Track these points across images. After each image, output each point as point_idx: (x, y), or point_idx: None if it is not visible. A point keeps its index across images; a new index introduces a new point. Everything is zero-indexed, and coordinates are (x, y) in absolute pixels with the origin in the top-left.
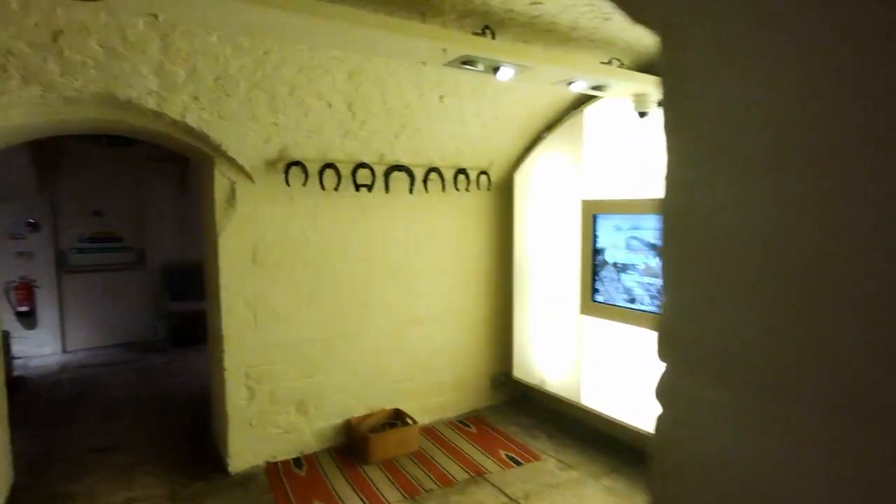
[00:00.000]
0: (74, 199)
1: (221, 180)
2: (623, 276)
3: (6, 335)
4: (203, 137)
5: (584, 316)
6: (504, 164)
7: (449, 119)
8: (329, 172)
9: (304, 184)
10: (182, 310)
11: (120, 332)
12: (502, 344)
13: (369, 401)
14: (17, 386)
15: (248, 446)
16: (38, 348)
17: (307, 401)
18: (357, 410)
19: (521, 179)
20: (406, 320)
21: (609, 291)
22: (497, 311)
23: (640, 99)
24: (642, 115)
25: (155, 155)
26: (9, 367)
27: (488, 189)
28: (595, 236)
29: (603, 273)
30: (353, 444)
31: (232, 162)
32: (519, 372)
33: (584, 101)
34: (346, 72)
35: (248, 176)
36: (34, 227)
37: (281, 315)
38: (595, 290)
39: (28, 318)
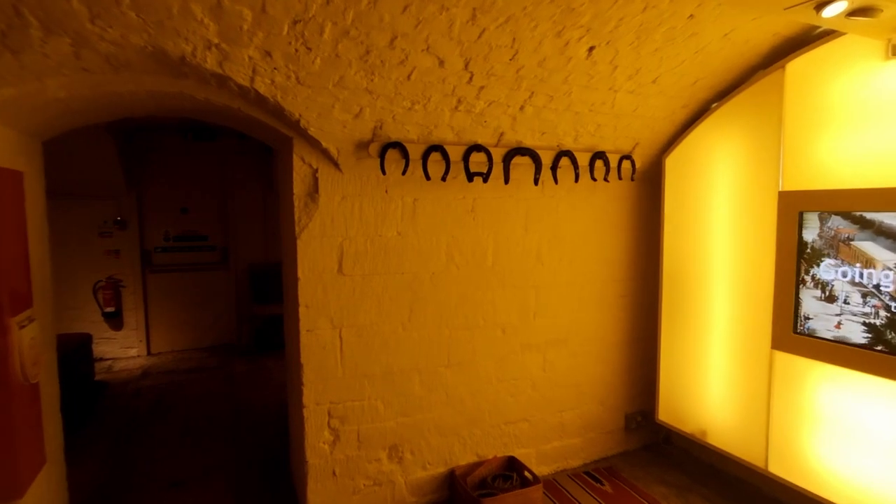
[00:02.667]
0: (160, 197)
1: (301, 168)
2: (877, 318)
3: (86, 341)
4: (278, 111)
5: (778, 352)
6: (653, 145)
7: (594, 82)
8: (435, 157)
9: (404, 172)
10: (266, 313)
11: (204, 335)
12: (643, 377)
13: (477, 446)
14: (99, 392)
15: (330, 500)
16: (124, 350)
17: (402, 445)
18: (462, 458)
19: (676, 166)
20: (522, 344)
21: (824, 321)
22: (638, 335)
23: None
24: None
25: (240, 149)
26: (90, 371)
27: (632, 179)
28: (802, 241)
29: (832, 310)
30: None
31: (314, 144)
32: (666, 415)
33: (782, 54)
34: (470, 8)
35: (334, 162)
36: (122, 224)
37: (372, 339)
38: (799, 318)
39: (115, 319)
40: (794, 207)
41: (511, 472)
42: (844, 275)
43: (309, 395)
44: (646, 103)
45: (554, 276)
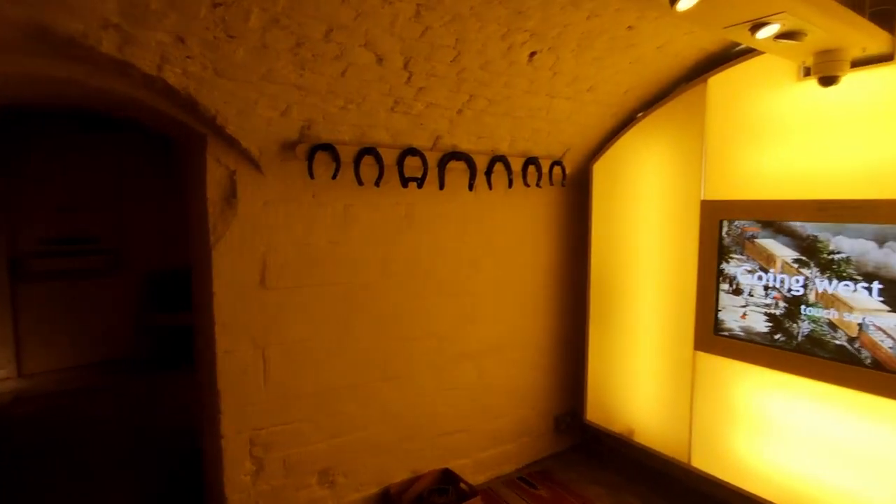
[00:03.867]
0: (37, 194)
1: (217, 170)
2: (776, 309)
3: None
4: (190, 105)
5: (700, 353)
6: (583, 152)
7: (535, 87)
8: (368, 161)
9: (335, 176)
10: (171, 323)
11: (92, 350)
12: (572, 379)
13: (414, 461)
14: None
15: None
16: None
17: (334, 468)
18: (398, 475)
19: (603, 172)
20: (459, 353)
21: (732, 312)
22: (568, 338)
23: (828, 58)
24: (827, 81)
25: (142, 140)
26: None
27: (562, 184)
28: (725, 251)
29: (738, 302)
30: None
31: (232, 143)
32: (594, 415)
33: (706, 68)
34: (415, 3)
35: (255, 163)
36: None
37: (301, 357)
38: (718, 321)
39: None
40: (714, 216)
41: (447, 485)
42: (749, 269)
43: (228, 425)
44: (581, 110)
45: (490, 283)
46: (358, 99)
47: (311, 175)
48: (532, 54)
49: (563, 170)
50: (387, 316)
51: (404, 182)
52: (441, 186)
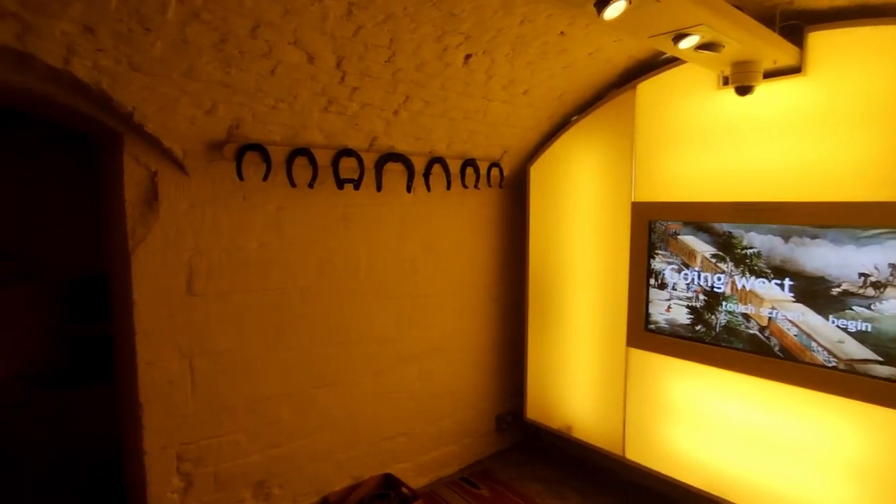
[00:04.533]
0: None
1: (136, 170)
2: (697, 301)
3: None
4: (104, 101)
5: (632, 349)
6: (520, 154)
7: (470, 90)
8: (301, 162)
9: (266, 177)
10: (92, 334)
11: (4, 364)
12: (513, 378)
13: (354, 467)
14: None
15: None
16: None
17: (270, 480)
18: (338, 482)
19: (540, 174)
20: (399, 356)
21: (658, 305)
22: (508, 338)
23: (744, 69)
24: (744, 91)
25: (55, 135)
26: None
27: (500, 186)
28: (651, 249)
29: (663, 296)
30: None
31: (152, 142)
32: (534, 413)
33: (635, 75)
34: (346, 2)
35: (179, 164)
36: None
37: (232, 366)
38: (649, 318)
39: None
40: (644, 217)
41: (389, 489)
42: (672, 264)
43: (152, 440)
44: (516, 113)
45: (429, 285)
46: (289, 98)
47: (241, 176)
48: (467, 57)
49: (501, 171)
50: (323, 321)
51: (340, 184)
52: (378, 188)
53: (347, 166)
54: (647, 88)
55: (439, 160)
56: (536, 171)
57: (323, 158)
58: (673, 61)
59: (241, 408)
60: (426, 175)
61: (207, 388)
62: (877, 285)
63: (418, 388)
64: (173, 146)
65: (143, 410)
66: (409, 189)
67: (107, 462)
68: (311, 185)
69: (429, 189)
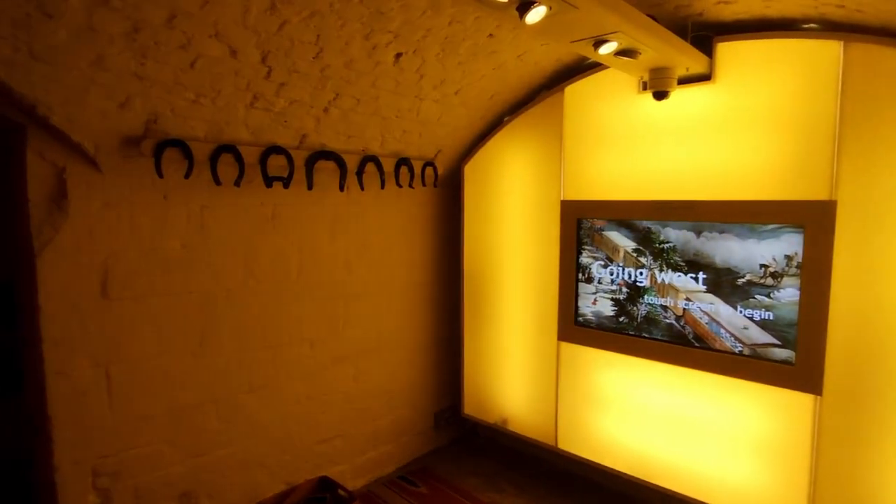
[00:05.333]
0: None
1: (40, 167)
2: (620, 294)
3: None
4: (3, 92)
5: (563, 343)
6: (454, 153)
7: (402, 89)
8: (226, 159)
9: (188, 175)
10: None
11: None
12: (450, 375)
13: (287, 473)
14: None
15: None
16: None
17: (196, 490)
18: (270, 488)
19: (474, 173)
20: (333, 358)
21: (585, 299)
22: (445, 335)
23: (660, 75)
24: (660, 95)
25: None
26: None
27: (435, 185)
28: (579, 245)
29: (589, 290)
30: None
31: (59, 136)
32: (472, 408)
33: (563, 77)
34: None
35: (92, 160)
36: None
37: (152, 373)
38: (578, 312)
39: None
40: (573, 215)
41: (325, 492)
42: (598, 259)
43: (63, 454)
44: (449, 113)
45: (363, 284)
46: (211, 93)
47: (160, 174)
48: (398, 55)
49: (436, 170)
50: (252, 323)
51: (268, 182)
52: (309, 187)
53: (276, 164)
54: (575, 91)
55: (373, 159)
56: (471, 171)
57: (250, 156)
58: (598, 66)
59: (164, 417)
60: (359, 174)
61: (126, 398)
62: (775, 275)
63: (353, 389)
64: (84, 141)
65: (51, 423)
66: (341, 188)
67: (15, 479)
68: (237, 184)
69: (362, 188)
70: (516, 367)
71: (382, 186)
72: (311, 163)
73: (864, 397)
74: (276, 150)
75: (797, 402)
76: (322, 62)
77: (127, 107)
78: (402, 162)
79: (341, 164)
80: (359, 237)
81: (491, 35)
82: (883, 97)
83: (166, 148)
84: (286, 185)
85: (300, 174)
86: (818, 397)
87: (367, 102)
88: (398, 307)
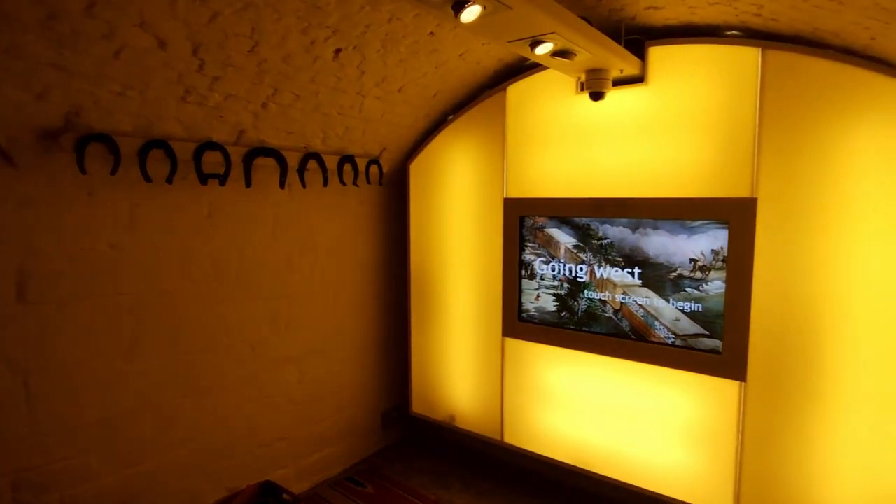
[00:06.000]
0: None
1: None
2: (562, 290)
3: None
4: None
5: (508, 339)
6: (399, 151)
7: (343, 85)
8: (157, 155)
9: (114, 171)
10: None
11: None
12: (398, 373)
13: (229, 478)
14: None
15: None
16: None
17: (131, 501)
18: (212, 495)
19: (419, 171)
20: (276, 359)
21: (528, 295)
22: (392, 334)
23: (596, 76)
24: (596, 96)
25: None
26: None
27: (380, 183)
28: (522, 242)
29: (532, 286)
30: None
31: None
32: (420, 406)
33: (505, 77)
34: None
35: (5, 155)
36: None
37: (79, 381)
38: (522, 308)
39: None
40: (515, 212)
41: (268, 497)
42: (540, 256)
43: None
44: (392, 110)
45: (307, 284)
46: (139, 85)
47: (83, 170)
48: (337, 51)
49: (381, 168)
50: (189, 326)
51: (203, 179)
52: (248, 184)
53: (212, 161)
54: (517, 91)
55: (315, 156)
56: (416, 169)
57: (183, 152)
58: (538, 66)
59: (93, 426)
60: (301, 171)
61: (49, 408)
62: (703, 269)
63: (297, 391)
64: None
65: None
66: (282, 185)
67: None
68: (169, 181)
69: (304, 185)
70: (463, 364)
71: (326, 184)
72: (249, 159)
73: (784, 382)
74: (211, 145)
75: (724, 389)
76: (258, 56)
77: (45, 98)
78: (346, 159)
79: (282, 162)
80: (302, 236)
81: (432, 33)
82: (796, 101)
83: (90, 142)
84: (223, 183)
85: (238, 171)
86: (743, 383)
87: (307, 98)
88: (344, 306)
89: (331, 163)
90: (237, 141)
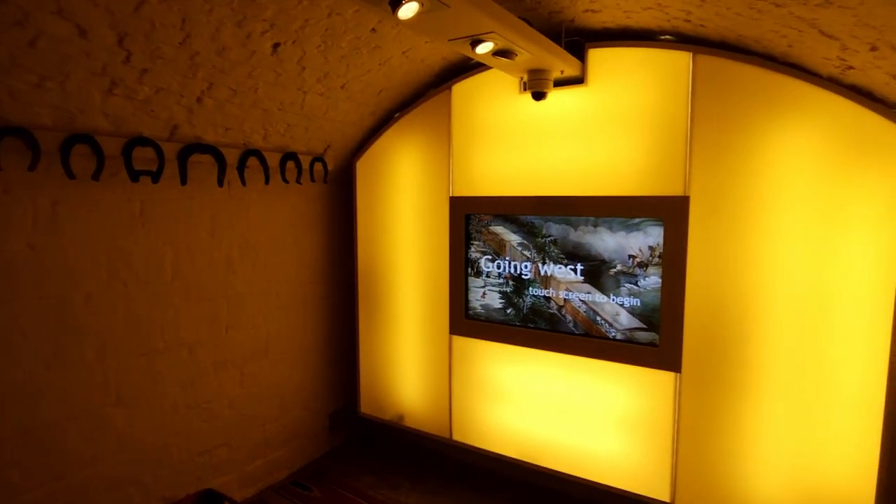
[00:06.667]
0: None
1: None
2: (507, 287)
3: None
4: None
5: (455, 336)
6: (345, 148)
7: (283, 80)
8: (81, 150)
9: (33, 167)
10: None
11: None
12: (346, 374)
13: (165, 488)
14: None
15: None
16: None
17: None
18: None
19: (366, 169)
20: (216, 362)
21: (474, 292)
22: (340, 334)
23: (537, 76)
24: (538, 96)
25: None
26: None
27: (325, 181)
28: (468, 240)
29: (478, 284)
30: None
31: None
32: (368, 407)
33: (450, 76)
34: None
35: None
36: None
37: None
38: (469, 306)
39: None
40: (461, 210)
41: None
42: (486, 254)
43: None
44: (336, 107)
45: (249, 284)
46: (59, 76)
47: None
48: (276, 46)
49: (325, 166)
50: (119, 329)
51: (134, 176)
52: (183, 181)
53: (144, 157)
54: (462, 89)
55: (255, 153)
56: (362, 167)
57: (110, 147)
58: (483, 66)
59: (13, 439)
60: (240, 168)
61: None
62: (641, 265)
63: (239, 394)
64: None
65: None
66: (220, 183)
67: None
68: (96, 178)
69: (244, 183)
70: (411, 362)
71: (267, 182)
72: (184, 156)
73: (716, 373)
74: (142, 141)
75: (661, 381)
76: (190, 48)
77: None
78: (289, 157)
79: (220, 159)
80: (242, 235)
81: (373, 30)
82: (724, 104)
83: (4, 136)
84: (155, 180)
85: (172, 168)
86: (678, 375)
87: (245, 94)
88: (289, 306)
89: (272, 160)
90: (171, 136)
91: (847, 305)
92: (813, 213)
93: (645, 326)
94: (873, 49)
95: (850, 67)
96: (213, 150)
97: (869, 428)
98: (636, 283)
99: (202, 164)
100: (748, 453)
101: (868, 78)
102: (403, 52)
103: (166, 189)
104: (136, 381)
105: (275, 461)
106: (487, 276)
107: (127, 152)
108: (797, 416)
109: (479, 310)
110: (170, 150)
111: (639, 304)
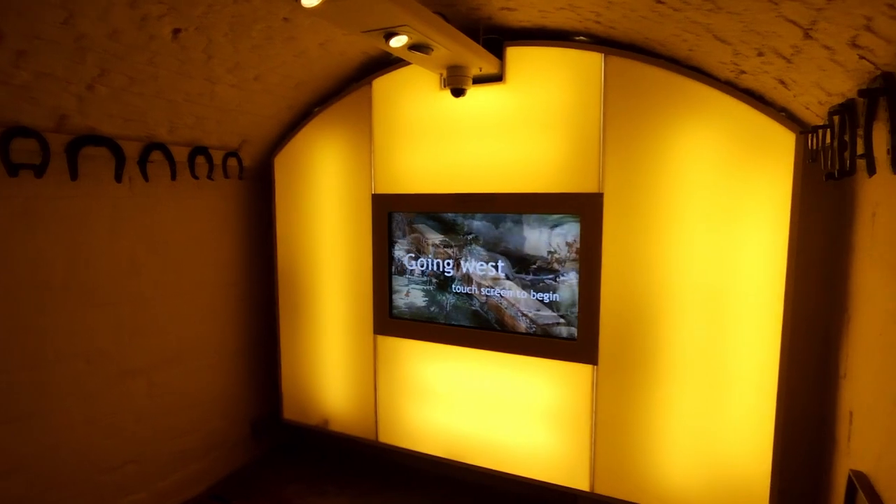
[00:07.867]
0: None
1: None
2: (430, 285)
3: None
4: None
5: (380, 336)
6: (262, 143)
7: (188, 69)
8: None
9: None
10: None
11: None
12: (267, 380)
13: None
14: None
15: None
16: None
17: None
18: None
19: (285, 165)
20: (119, 372)
21: (398, 291)
22: (260, 338)
23: (456, 73)
24: (458, 93)
25: None
26: None
27: (240, 177)
28: (391, 239)
29: (402, 282)
30: None
31: None
32: (292, 412)
33: (370, 70)
34: None
35: None
36: None
37: None
38: (393, 305)
39: None
40: (384, 208)
41: None
42: (409, 252)
43: None
44: (251, 99)
45: (156, 287)
46: None
47: None
48: (176, 31)
49: (241, 162)
50: (1, 341)
51: (13, 170)
52: (73, 177)
53: (25, 149)
54: (382, 85)
55: (160, 146)
56: (282, 163)
57: None
58: (402, 61)
59: None
60: (142, 163)
61: None
62: (560, 261)
63: (148, 406)
64: None
65: None
66: (118, 178)
67: None
68: None
69: (146, 179)
70: (336, 365)
71: (174, 178)
72: (74, 149)
73: (629, 365)
74: (21, 131)
75: (579, 373)
76: (75, 30)
77: None
78: (199, 151)
79: (117, 152)
80: (147, 234)
81: (286, 19)
82: (634, 104)
83: None
84: (39, 175)
85: (60, 162)
86: (595, 367)
87: (145, 82)
88: (203, 309)
89: (180, 155)
90: (58, 127)
91: (743, 295)
92: (714, 209)
93: (563, 321)
94: (760, 54)
95: (743, 72)
96: (110, 143)
97: (764, 411)
98: (555, 279)
99: (98, 158)
100: (660, 440)
101: (759, 82)
102: (320, 44)
103: (55, 185)
104: (23, 396)
105: (192, 475)
106: (411, 274)
107: (4, 143)
108: (702, 404)
109: (404, 308)
110: (56, 142)
111: (557, 299)
